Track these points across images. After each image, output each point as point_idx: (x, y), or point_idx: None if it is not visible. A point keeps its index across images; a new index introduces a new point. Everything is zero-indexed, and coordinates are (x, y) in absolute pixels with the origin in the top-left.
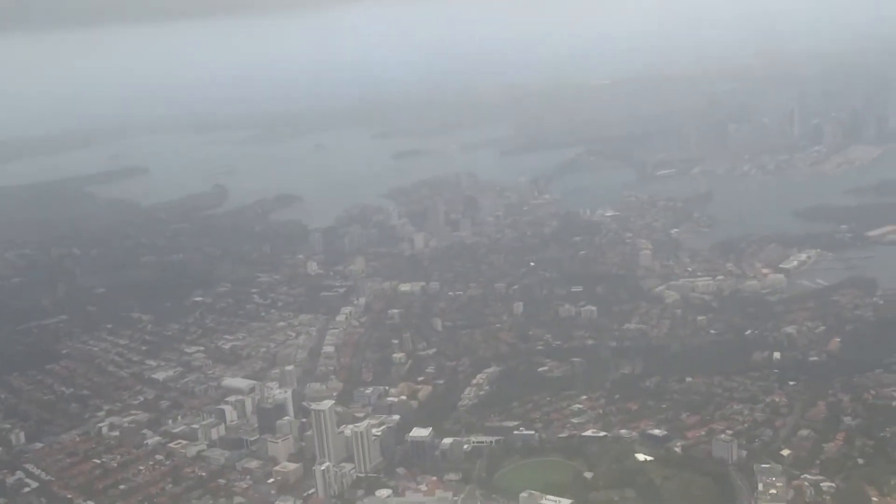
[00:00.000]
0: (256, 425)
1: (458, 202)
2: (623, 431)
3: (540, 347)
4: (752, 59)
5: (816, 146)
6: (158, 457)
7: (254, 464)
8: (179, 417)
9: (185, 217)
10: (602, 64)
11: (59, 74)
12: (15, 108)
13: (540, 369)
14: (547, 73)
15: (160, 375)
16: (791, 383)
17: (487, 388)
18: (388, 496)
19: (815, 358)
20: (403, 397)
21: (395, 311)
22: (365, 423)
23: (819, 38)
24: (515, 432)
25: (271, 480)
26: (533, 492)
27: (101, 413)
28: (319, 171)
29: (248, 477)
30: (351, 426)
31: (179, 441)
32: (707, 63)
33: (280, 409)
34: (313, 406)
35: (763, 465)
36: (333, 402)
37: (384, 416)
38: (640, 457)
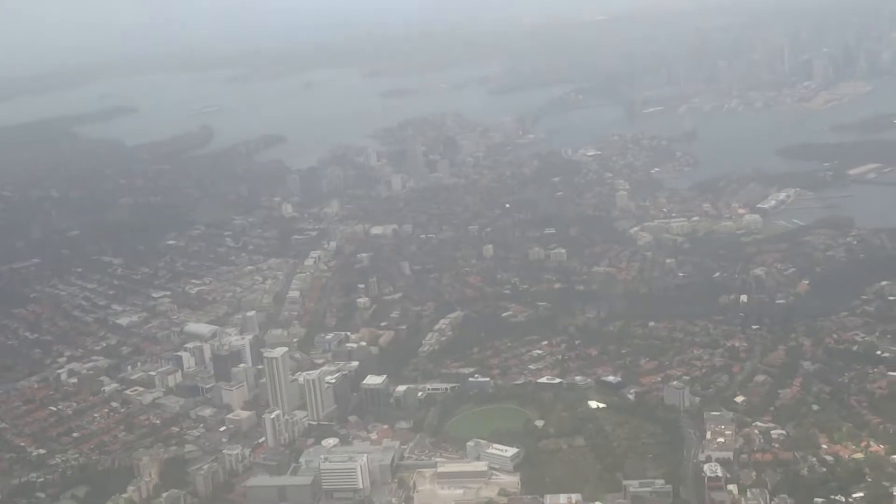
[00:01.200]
0: (213, 372)
1: (439, 143)
2: (578, 378)
3: (507, 291)
4: None
5: (806, 82)
6: (114, 404)
7: (207, 411)
8: (139, 364)
9: (169, 158)
10: None
11: (50, 12)
12: (4, 48)
13: (504, 314)
14: (542, 8)
15: (124, 321)
16: (754, 327)
17: (450, 333)
18: (335, 445)
19: (782, 301)
20: (363, 343)
21: (365, 254)
22: (317, 370)
23: None
24: (471, 379)
25: (223, 428)
26: (479, 440)
27: (63, 359)
28: (307, 111)
29: (202, 425)
30: (304, 374)
31: (136, 388)
32: None
33: (236, 355)
34: (266, 353)
35: (713, 413)
36: (287, 349)
37: (343, 362)
38: (593, 404)
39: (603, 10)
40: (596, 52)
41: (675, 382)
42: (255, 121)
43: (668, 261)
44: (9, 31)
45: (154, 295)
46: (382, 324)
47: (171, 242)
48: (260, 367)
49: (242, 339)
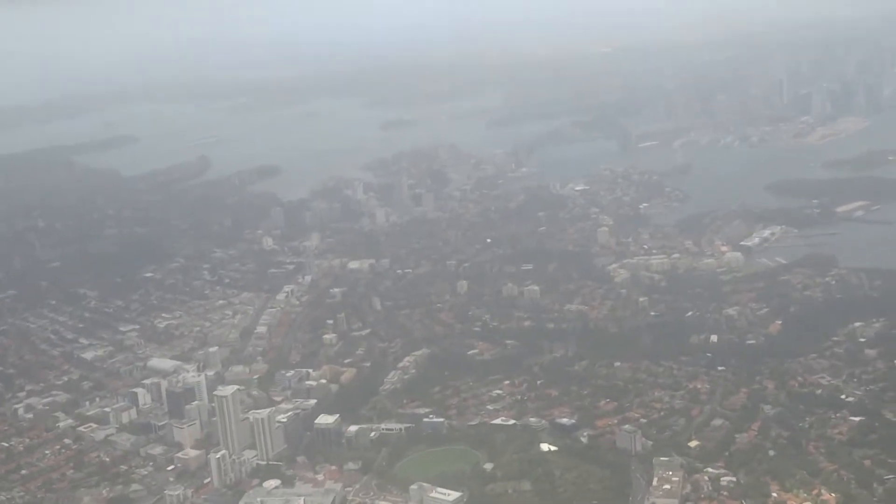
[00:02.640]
0: (168, 410)
1: (428, 175)
2: (532, 420)
3: (476, 329)
4: (756, 26)
5: (804, 117)
6: (66, 441)
7: (158, 450)
8: (98, 399)
9: (162, 188)
10: (607, 30)
11: (59, 41)
12: (10, 76)
13: (470, 352)
14: (549, 40)
15: (89, 355)
16: (720, 369)
17: (413, 371)
18: (276, 487)
19: (752, 341)
20: (324, 381)
21: (338, 289)
22: (268, 409)
23: (818, 5)
24: (425, 420)
25: (171, 467)
26: (423, 483)
27: (23, 394)
28: (306, 141)
29: (151, 463)
30: (254, 412)
31: (90, 424)
32: (710, 30)
33: (190, 392)
34: (216, 391)
35: (662, 458)
36: (237, 387)
37: (301, 400)
38: (545, 447)
39: (609, 42)
40: (598, 84)
41: (626, 426)
42: (254, 151)
43: (641, 299)
44: (18, 59)
45: (122, 329)
46: (346, 361)
47: (148, 275)
48: (213, 404)
49: (199, 375)
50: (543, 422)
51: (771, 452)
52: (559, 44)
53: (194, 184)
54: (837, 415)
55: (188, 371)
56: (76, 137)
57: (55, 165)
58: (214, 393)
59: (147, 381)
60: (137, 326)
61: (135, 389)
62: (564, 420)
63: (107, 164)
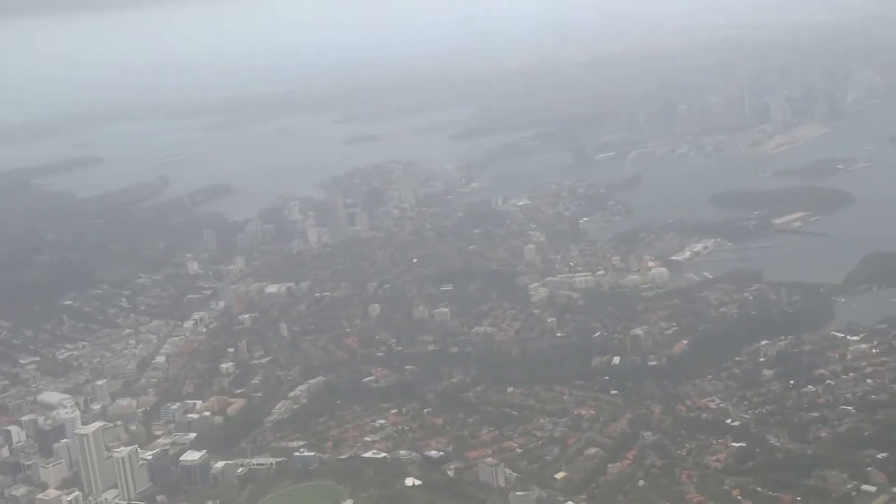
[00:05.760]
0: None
1: (375, 193)
2: (402, 452)
3: (380, 354)
4: (738, 30)
5: (763, 125)
6: None
7: (21, 490)
8: None
9: (112, 211)
10: (587, 39)
11: (36, 61)
12: None
13: (366, 379)
14: (528, 50)
15: None
16: (613, 392)
17: (305, 400)
18: None
19: (654, 363)
20: (208, 413)
21: (248, 315)
22: (129, 447)
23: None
24: (296, 454)
25: None
26: None
27: None
28: (270, 158)
29: None
30: (117, 450)
31: None
32: (691, 36)
33: (60, 430)
34: (77, 429)
35: (518, 493)
36: (101, 423)
37: (182, 434)
38: (410, 481)
39: (587, 51)
40: (567, 94)
41: (488, 459)
42: (216, 169)
43: (549, 320)
44: None
45: (22, 361)
46: (238, 391)
47: (67, 303)
48: None
49: (73, 411)
50: (415, 454)
51: (641, 483)
52: (536, 54)
53: (146, 205)
54: (719, 440)
55: (65, 407)
56: (41, 159)
57: (11, 188)
58: (75, 431)
59: (24, 418)
60: (38, 358)
61: (8, 427)
62: (433, 452)
63: (66, 187)
